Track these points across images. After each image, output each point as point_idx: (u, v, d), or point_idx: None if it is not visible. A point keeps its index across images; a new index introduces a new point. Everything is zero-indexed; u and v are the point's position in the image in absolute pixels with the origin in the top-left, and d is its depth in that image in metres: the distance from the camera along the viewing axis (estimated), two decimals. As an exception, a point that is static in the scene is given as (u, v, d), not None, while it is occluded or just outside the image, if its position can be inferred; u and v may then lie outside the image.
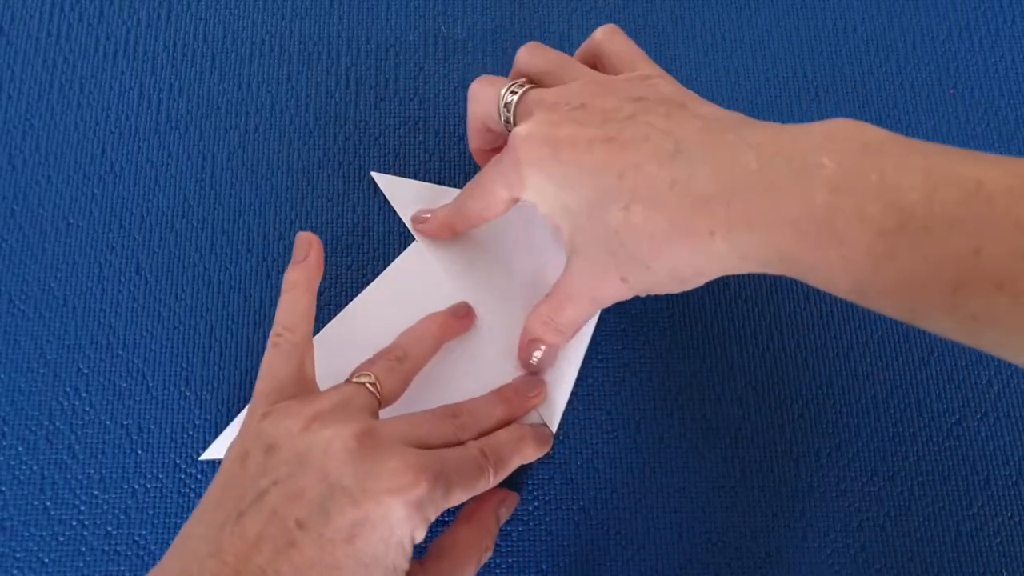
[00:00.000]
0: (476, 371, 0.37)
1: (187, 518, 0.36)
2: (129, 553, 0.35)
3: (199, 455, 0.37)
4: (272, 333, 0.32)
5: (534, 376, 0.36)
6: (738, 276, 0.39)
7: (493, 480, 0.31)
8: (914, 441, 0.38)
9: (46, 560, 0.35)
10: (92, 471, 0.36)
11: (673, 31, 0.43)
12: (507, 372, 0.37)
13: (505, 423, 0.34)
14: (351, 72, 0.42)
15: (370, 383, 0.31)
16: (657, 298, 0.39)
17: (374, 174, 0.40)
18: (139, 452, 0.37)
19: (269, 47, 0.42)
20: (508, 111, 0.33)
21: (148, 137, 0.41)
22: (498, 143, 0.36)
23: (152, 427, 0.37)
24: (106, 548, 0.36)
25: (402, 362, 0.33)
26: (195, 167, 0.40)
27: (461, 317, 0.37)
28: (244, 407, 0.37)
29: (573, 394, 0.37)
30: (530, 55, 0.34)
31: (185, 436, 0.37)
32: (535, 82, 0.33)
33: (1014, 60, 0.43)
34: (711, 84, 0.42)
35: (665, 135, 0.28)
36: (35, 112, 0.41)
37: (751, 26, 0.43)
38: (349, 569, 0.26)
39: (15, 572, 0.35)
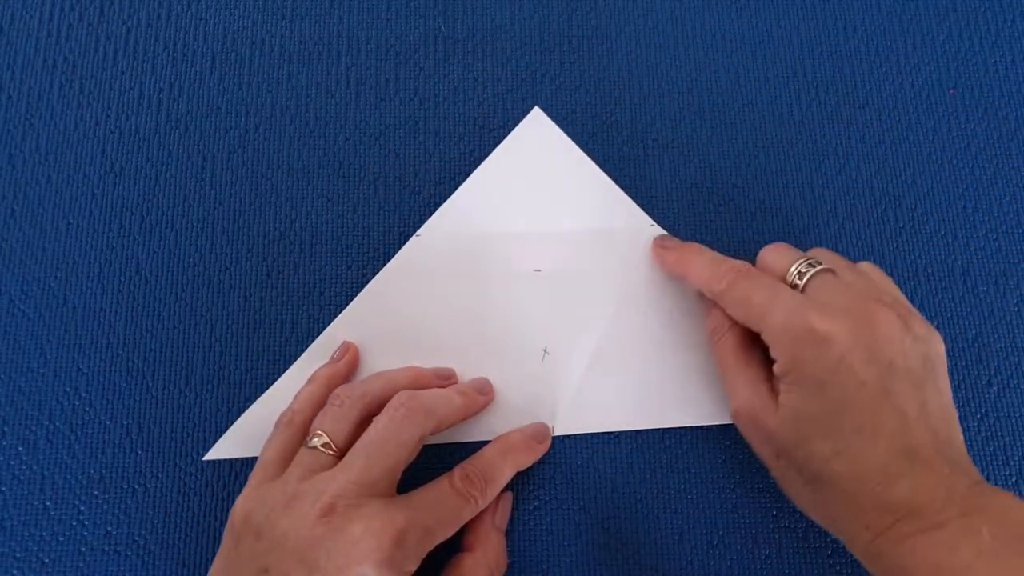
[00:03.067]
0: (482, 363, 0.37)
1: (187, 518, 0.36)
2: (129, 553, 0.35)
3: (199, 455, 0.37)
4: (288, 410, 0.34)
5: (483, 379, 0.37)
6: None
7: (483, 502, 0.32)
8: (914, 441, 0.38)
9: (46, 560, 0.35)
10: (92, 471, 0.36)
11: (673, 31, 0.43)
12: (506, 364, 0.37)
13: (463, 416, 0.35)
14: (351, 72, 0.42)
15: (322, 444, 0.32)
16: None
17: (537, 109, 0.41)
18: (139, 452, 0.37)
19: (269, 47, 0.42)
20: (800, 279, 0.32)
21: (148, 137, 0.41)
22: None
23: (152, 427, 0.37)
24: (106, 548, 0.36)
25: (354, 405, 0.33)
26: (195, 167, 0.40)
27: (441, 379, 0.36)
28: (244, 407, 0.37)
29: (573, 392, 0.37)
30: (781, 254, 0.34)
31: (185, 436, 0.37)
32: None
33: (1014, 60, 0.43)
34: (711, 84, 0.42)
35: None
36: (35, 112, 0.41)
37: (751, 26, 0.43)
38: None
39: (15, 572, 0.35)
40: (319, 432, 0.32)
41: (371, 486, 0.30)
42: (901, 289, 0.39)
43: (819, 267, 0.32)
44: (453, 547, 0.33)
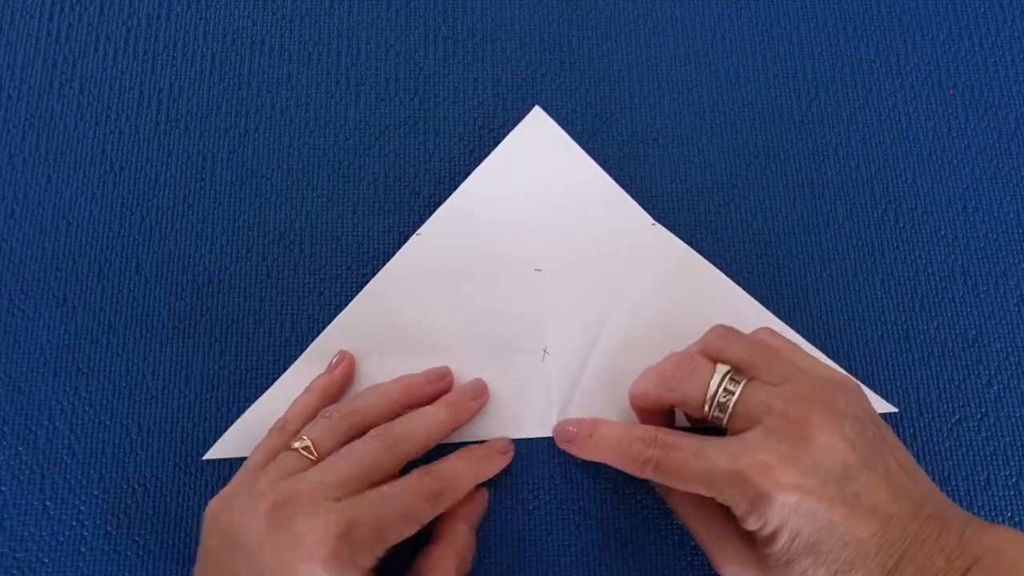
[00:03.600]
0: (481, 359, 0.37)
1: (187, 518, 0.36)
2: (129, 553, 0.35)
3: (199, 455, 0.37)
4: (282, 419, 0.35)
5: (479, 380, 0.37)
6: (740, 278, 0.39)
7: (442, 502, 0.33)
8: (914, 441, 0.38)
9: (46, 560, 0.35)
10: (92, 471, 0.36)
11: (673, 31, 0.43)
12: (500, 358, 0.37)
13: (451, 427, 0.35)
14: (351, 72, 0.42)
15: (303, 447, 0.32)
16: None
17: (538, 108, 0.41)
18: (139, 452, 0.37)
19: (269, 47, 0.42)
20: (723, 411, 0.30)
21: (148, 137, 0.41)
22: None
23: (152, 427, 0.37)
24: (106, 548, 0.36)
25: (344, 419, 0.34)
26: (195, 167, 0.40)
27: (433, 382, 0.36)
28: (244, 407, 0.37)
29: (574, 392, 0.37)
30: (728, 342, 0.32)
31: (185, 436, 0.37)
32: (737, 371, 0.31)
33: (1014, 60, 0.43)
34: (711, 84, 0.42)
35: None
36: (35, 112, 0.41)
37: (751, 26, 0.43)
38: None
39: (15, 572, 0.35)
40: (303, 436, 0.33)
41: (336, 487, 0.30)
42: (902, 289, 0.39)
43: (735, 391, 0.30)
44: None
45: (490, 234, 0.39)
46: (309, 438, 0.33)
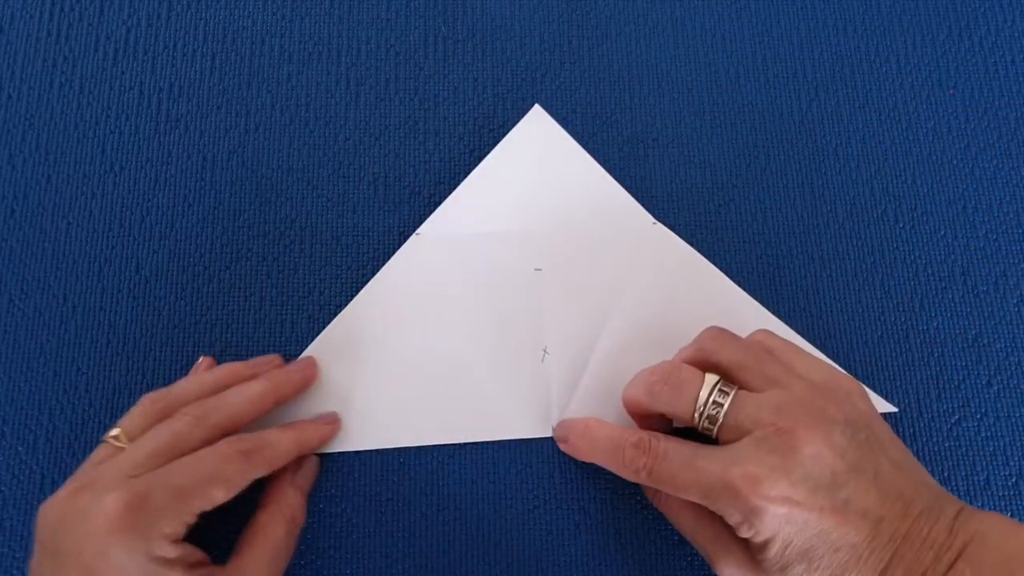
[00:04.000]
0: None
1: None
2: (129, 553, 0.35)
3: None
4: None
5: (308, 357, 0.37)
6: (740, 278, 0.39)
7: (255, 463, 0.32)
8: (914, 441, 0.38)
9: (46, 560, 0.35)
10: (92, 471, 0.36)
11: (673, 31, 0.43)
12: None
13: (271, 400, 0.34)
14: (351, 72, 0.42)
15: (112, 436, 0.32)
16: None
17: (538, 106, 0.41)
18: (139, 452, 0.37)
19: (269, 47, 0.42)
20: (713, 424, 0.30)
21: (148, 137, 0.41)
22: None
23: (152, 427, 0.37)
24: (106, 548, 0.35)
25: (155, 403, 0.33)
26: (195, 167, 0.40)
27: (253, 367, 0.36)
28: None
29: (575, 393, 0.37)
30: (720, 344, 0.32)
31: (185, 436, 0.37)
32: (728, 374, 0.32)
33: (1014, 60, 0.43)
34: (711, 84, 0.42)
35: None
36: (35, 112, 0.41)
37: (751, 26, 0.43)
38: None
39: (15, 572, 0.35)
40: (115, 425, 0.32)
41: (137, 465, 0.30)
42: (902, 289, 0.39)
43: (724, 403, 0.30)
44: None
45: (490, 233, 0.39)
46: (120, 426, 0.32)
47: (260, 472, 0.32)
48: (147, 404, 0.33)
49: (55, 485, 0.36)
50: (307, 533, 0.36)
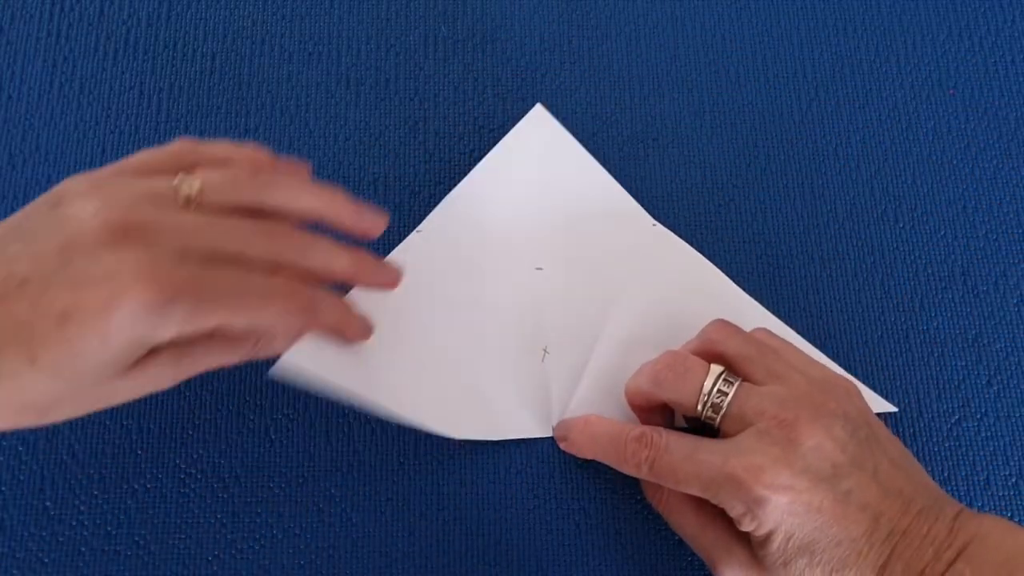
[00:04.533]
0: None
1: (187, 518, 0.36)
2: (129, 553, 0.35)
3: (199, 455, 0.37)
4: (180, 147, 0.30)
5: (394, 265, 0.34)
6: (740, 278, 0.39)
7: (290, 316, 0.29)
8: (914, 441, 0.38)
9: (46, 560, 0.35)
10: (92, 471, 0.36)
11: (673, 31, 0.43)
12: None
13: (348, 276, 0.32)
14: (351, 72, 0.42)
15: (188, 185, 0.28)
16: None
17: (539, 106, 0.40)
18: (139, 452, 0.37)
19: (269, 47, 0.42)
20: (716, 412, 0.31)
21: (148, 137, 0.41)
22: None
23: (152, 427, 0.37)
24: (106, 548, 0.35)
25: (252, 183, 0.30)
26: (195, 167, 0.40)
27: (358, 212, 0.32)
28: (244, 407, 0.37)
29: (575, 392, 0.37)
30: (726, 336, 0.32)
31: (185, 436, 0.37)
32: (732, 366, 0.32)
33: (1014, 60, 0.43)
34: (711, 84, 0.42)
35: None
36: (35, 112, 0.41)
37: (751, 26, 0.43)
38: (55, 347, 0.25)
39: (15, 572, 0.35)
40: (197, 177, 0.28)
41: (191, 250, 0.27)
42: (902, 289, 0.39)
43: (729, 392, 0.31)
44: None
45: (490, 232, 0.39)
46: (203, 182, 0.28)
47: (299, 325, 0.30)
48: (244, 179, 0.29)
49: (55, 485, 0.36)
50: (307, 533, 0.36)
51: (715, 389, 0.31)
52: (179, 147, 0.30)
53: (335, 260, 0.31)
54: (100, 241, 0.25)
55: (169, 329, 0.26)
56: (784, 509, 0.28)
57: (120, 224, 0.26)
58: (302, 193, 0.31)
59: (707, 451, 0.30)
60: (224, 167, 0.30)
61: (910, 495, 0.29)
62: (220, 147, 0.31)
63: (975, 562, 0.27)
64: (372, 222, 0.33)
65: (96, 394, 0.28)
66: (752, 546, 0.30)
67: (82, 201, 0.26)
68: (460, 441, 0.37)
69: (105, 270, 0.25)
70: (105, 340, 0.25)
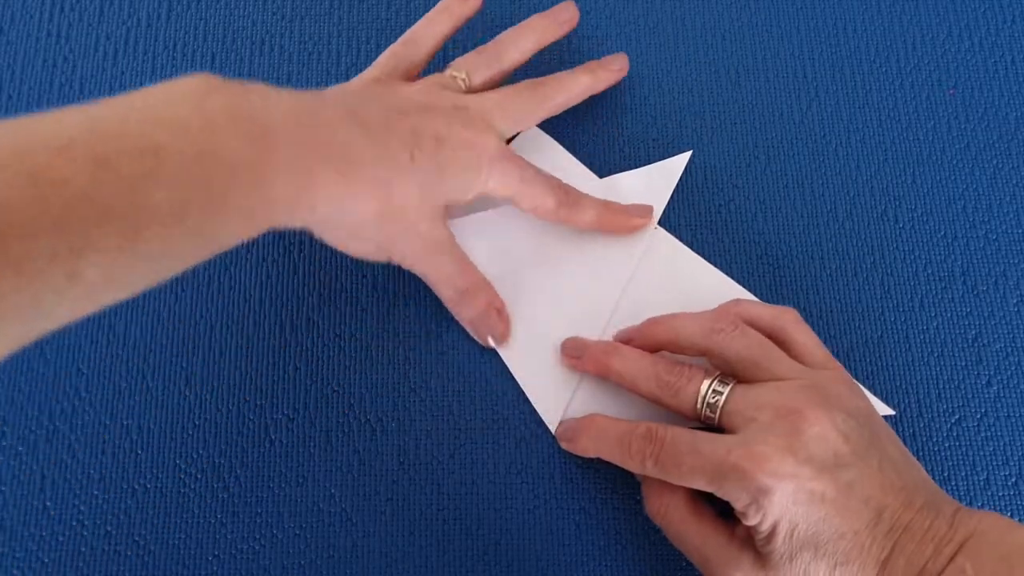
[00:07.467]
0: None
1: (187, 518, 0.36)
2: (129, 553, 0.35)
3: (199, 455, 0.37)
4: (411, 35, 0.38)
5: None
6: (741, 278, 0.39)
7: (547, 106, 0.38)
8: (914, 441, 0.38)
9: (46, 560, 0.35)
10: (92, 471, 0.36)
11: (673, 31, 0.43)
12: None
13: (590, 91, 0.39)
14: (351, 72, 0.42)
15: (462, 78, 0.37)
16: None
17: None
18: (139, 452, 0.37)
19: (269, 47, 0.42)
20: (713, 412, 0.31)
21: (148, 137, 0.41)
22: None
23: (152, 427, 0.37)
24: (106, 548, 0.36)
25: (498, 61, 0.38)
26: (195, 167, 0.40)
27: (562, 23, 0.39)
28: (244, 407, 0.37)
29: (575, 392, 0.37)
30: (730, 340, 0.32)
31: (185, 436, 0.37)
32: (731, 369, 0.32)
33: (1014, 60, 0.43)
34: (711, 84, 0.42)
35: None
36: (35, 112, 0.41)
37: (751, 26, 0.43)
38: (444, 160, 0.33)
39: (15, 572, 0.35)
40: (461, 69, 0.37)
41: (496, 123, 0.36)
42: (902, 289, 0.39)
43: (724, 391, 0.31)
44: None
45: (490, 233, 0.39)
46: (466, 70, 0.37)
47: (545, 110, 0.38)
48: (486, 58, 0.38)
49: (55, 485, 0.36)
50: (307, 532, 0.36)
51: (710, 389, 0.32)
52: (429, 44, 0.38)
53: (577, 83, 0.39)
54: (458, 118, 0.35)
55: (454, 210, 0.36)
56: (789, 498, 0.28)
57: (463, 105, 0.35)
58: (518, 44, 0.38)
59: (711, 443, 0.30)
60: (469, 56, 0.38)
61: (912, 491, 0.29)
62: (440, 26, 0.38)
63: (975, 557, 0.27)
64: (570, 17, 0.40)
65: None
66: (756, 546, 0.30)
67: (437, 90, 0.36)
68: (459, 438, 0.37)
69: (475, 130, 0.34)
70: (465, 171, 0.34)
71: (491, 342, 0.37)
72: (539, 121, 0.39)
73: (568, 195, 0.37)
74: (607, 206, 0.38)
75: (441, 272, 0.36)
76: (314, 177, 0.30)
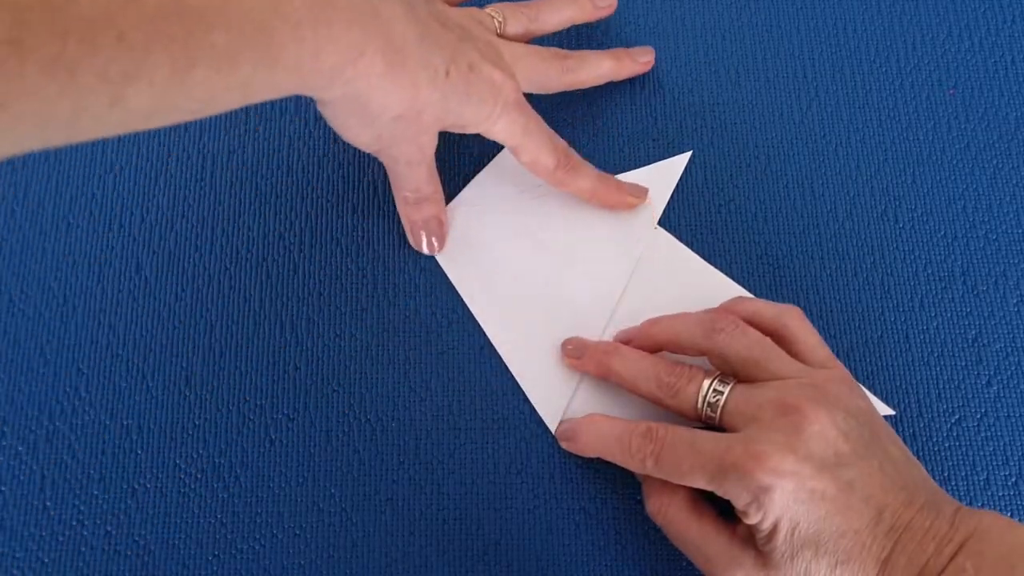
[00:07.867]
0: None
1: (187, 518, 0.36)
2: (129, 553, 0.35)
3: (199, 455, 0.37)
4: None
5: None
6: (741, 278, 0.39)
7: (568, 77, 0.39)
8: (914, 441, 0.38)
9: (46, 560, 0.35)
10: (92, 471, 0.36)
11: (673, 31, 0.43)
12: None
13: (613, 76, 0.41)
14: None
15: (499, 20, 0.38)
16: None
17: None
18: (139, 452, 0.37)
19: None
20: (714, 411, 0.32)
21: (148, 137, 0.41)
22: None
23: (152, 427, 0.37)
24: (106, 548, 0.36)
25: (535, 21, 0.39)
26: (195, 167, 0.40)
27: (600, 7, 0.41)
28: (244, 407, 0.37)
29: (575, 392, 0.37)
30: (731, 339, 0.32)
31: (185, 436, 0.37)
32: (731, 369, 0.33)
33: (1014, 60, 0.43)
34: (711, 84, 0.42)
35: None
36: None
37: (751, 26, 0.43)
38: (471, 87, 0.33)
39: (15, 572, 0.35)
40: (499, 11, 0.38)
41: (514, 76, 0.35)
42: (902, 289, 0.39)
43: (724, 390, 0.31)
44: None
45: (490, 234, 0.39)
46: (504, 15, 0.38)
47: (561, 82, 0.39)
48: (524, 16, 0.38)
49: (55, 485, 0.36)
50: (307, 532, 0.36)
51: (711, 389, 0.32)
52: None
53: (600, 65, 0.41)
54: (492, 47, 0.36)
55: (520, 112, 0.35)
56: (789, 496, 0.28)
57: (496, 46, 0.36)
58: (558, 12, 0.40)
59: (711, 441, 0.30)
60: (509, 5, 0.39)
61: (912, 490, 0.29)
62: None
63: (976, 556, 0.27)
64: (608, 4, 0.41)
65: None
66: (757, 545, 0.30)
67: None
68: (459, 438, 0.37)
69: (501, 72, 0.34)
70: (497, 89, 0.34)
71: (425, 248, 0.38)
72: (556, 91, 0.39)
73: (569, 159, 0.37)
74: (604, 178, 0.38)
75: (415, 177, 0.36)
76: (364, 57, 0.30)
